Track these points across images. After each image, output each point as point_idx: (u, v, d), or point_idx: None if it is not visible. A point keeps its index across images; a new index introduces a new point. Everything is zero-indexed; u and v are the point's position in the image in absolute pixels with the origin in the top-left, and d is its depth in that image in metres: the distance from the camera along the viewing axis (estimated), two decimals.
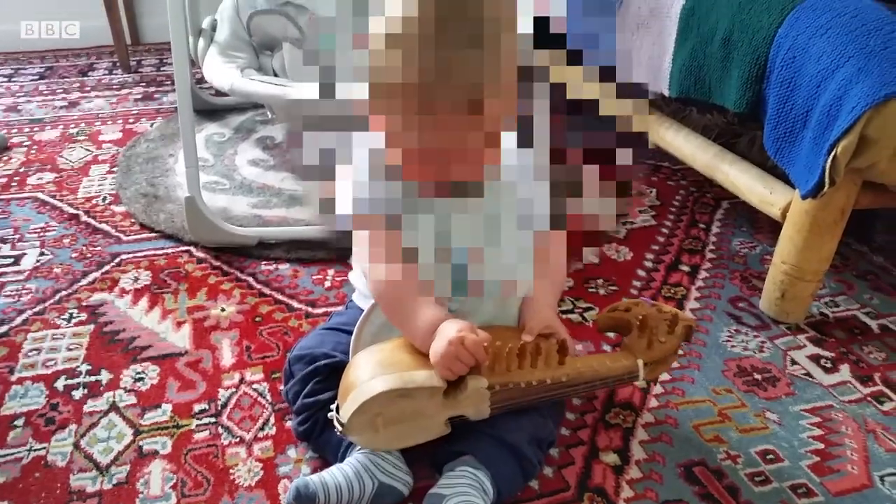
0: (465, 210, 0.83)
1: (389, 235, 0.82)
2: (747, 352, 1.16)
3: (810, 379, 1.11)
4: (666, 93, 1.35)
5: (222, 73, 1.53)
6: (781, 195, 1.18)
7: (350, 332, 0.92)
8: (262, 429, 0.99)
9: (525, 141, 0.88)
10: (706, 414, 1.04)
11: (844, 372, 1.12)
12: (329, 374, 0.92)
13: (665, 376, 1.10)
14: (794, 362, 1.14)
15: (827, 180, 0.98)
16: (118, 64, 2.38)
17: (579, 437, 0.99)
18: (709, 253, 1.42)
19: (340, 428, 0.84)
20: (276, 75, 1.62)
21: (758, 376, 1.11)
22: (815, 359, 1.15)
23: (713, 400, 1.06)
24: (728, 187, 1.33)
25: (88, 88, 2.22)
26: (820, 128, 0.99)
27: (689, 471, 0.94)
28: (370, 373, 0.84)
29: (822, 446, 0.99)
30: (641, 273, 1.35)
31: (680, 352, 1.01)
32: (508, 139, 0.85)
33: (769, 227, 1.45)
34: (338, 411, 0.85)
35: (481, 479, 0.85)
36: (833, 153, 0.96)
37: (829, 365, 1.14)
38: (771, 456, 0.97)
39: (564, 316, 1.22)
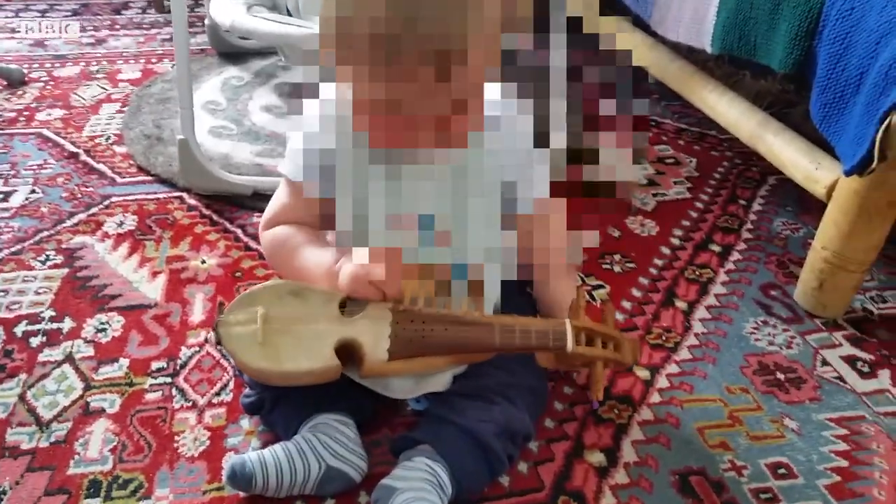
0: (432, 162, 0.73)
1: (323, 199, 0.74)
2: (773, 347, 1.02)
3: (842, 384, 0.97)
4: (708, 49, 1.20)
5: (226, 9, 1.44)
6: (829, 171, 1.03)
7: None
8: (217, 394, 0.91)
9: (524, 94, 0.78)
10: (714, 415, 0.91)
11: (884, 378, 0.98)
12: None
13: (674, 368, 0.97)
14: (825, 363, 1.00)
15: (876, 154, 0.83)
16: (152, 3, 2.32)
17: (564, 430, 0.88)
18: (745, 233, 1.27)
19: (216, 332, 0.77)
20: (290, 15, 1.52)
21: (781, 376, 0.97)
22: (851, 360, 1.00)
23: (725, 399, 0.93)
24: (771, 160, 1.18)
25: (118, 27, 2.16)
26: (875, 92, 0.84)
27: (685, 480, 0.83)
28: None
29: (845, 464, 0.85)
30: (665, 251, 1.21)
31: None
32: (492, 90, 0.74)
33: (819, 208, 1.27)
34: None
35: (438, 473, 0.75)
36: (887, 122, 0.81)
37: (866, 369, 0.99)
38: (783, 470, 0.84)
39: None
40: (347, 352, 0.77)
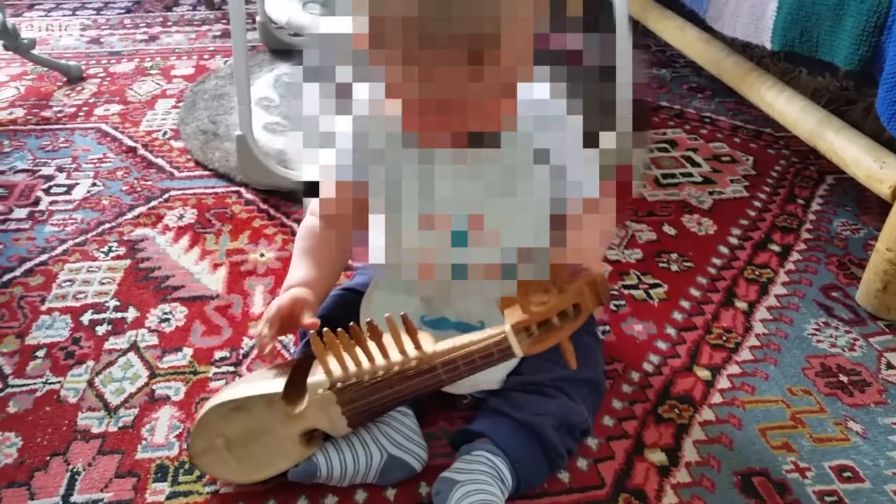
0: (469, 162, 0.72)
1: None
2: (835, 349, 1.00)
3: None
4: (768, 45, 1.18)
5: (282, 6, 1.46)
6: (894, 170, 1.01)
7: None
8: None
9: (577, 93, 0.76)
10: (777, 416, 0.90)
11: None
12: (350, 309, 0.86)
13: (735, 369, 0.96)
14: (890, 366, 0.98)
15: None
16: (202, 0, 2.35)
17: (624, 429, 0.88)
18: (805, 233, 1.25)
19: (195, 466, 0.80)
20: None
21: (844, 378, 0.96)
22: None
23: (787, 401, 0.92)
24: (832, 158, 1.15)
25: (170, 23, 2.20)
26: None
27: (748, 480, 0.82)
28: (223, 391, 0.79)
29: None
30: (724, 250, 1.20)
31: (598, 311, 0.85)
32: (540, 89, 0.73)
33: (879, 209, 1.26)
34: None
35: (499, 467, 0.75)
36: None
37: None
38: (848, 474, 0.83)
39: (627, 291, 1.10)
40: (312, 433, 0.78)
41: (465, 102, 0.66)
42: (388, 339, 0.74)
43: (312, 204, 0.86)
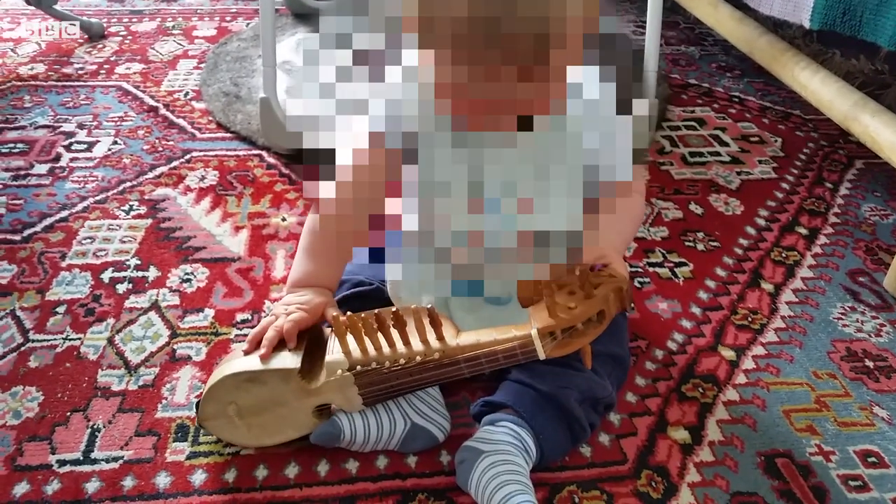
0: (502, 145, 0.70)
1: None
2: (861, 334, 0.99)
3: None
4: (806, 24, 1.15)
5: None
6: None
7: None
8: None
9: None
10: (801, 399, 0.89)
11: None
12: (363, 302, 0.85)
13: (760, 350, 0.95)
14: None
15: None
16: None
17: (647, 405, 0.87)
18: (832, 217, 1.23)
19: (204, 429, 0.79)
20: None
21: (870, 363, 0.95)
22: None
23: (812, 384, 0.91)
24: (866, 142, 1.13)
25: None
26: None
27: (771, 461, 0.81)
28: (236, 356, 0.78)
29: None
30: (751, 231, 1.18)
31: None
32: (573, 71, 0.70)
33: None
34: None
35: (523, 438, 0.75)
36: None
37: None
38: (873, 459, 0.82)
39: (652, 269, 1.08)
40: (326, 407, 0.78)
41: (514, 101, 0.65)
42: (411, 327, 0.74)
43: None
